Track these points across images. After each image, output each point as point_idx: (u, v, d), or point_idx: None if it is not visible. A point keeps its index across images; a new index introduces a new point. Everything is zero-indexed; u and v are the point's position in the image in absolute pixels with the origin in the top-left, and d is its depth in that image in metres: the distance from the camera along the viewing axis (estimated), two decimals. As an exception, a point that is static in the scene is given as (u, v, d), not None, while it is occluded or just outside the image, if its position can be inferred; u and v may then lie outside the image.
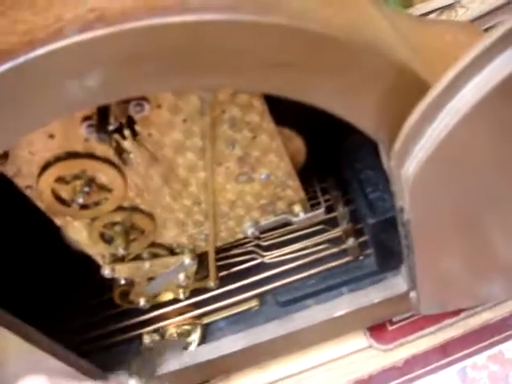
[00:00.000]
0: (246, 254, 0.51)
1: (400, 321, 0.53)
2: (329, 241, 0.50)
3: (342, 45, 0.27)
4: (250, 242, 0.50)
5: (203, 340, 0.51)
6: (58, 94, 0.26)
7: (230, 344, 0.51)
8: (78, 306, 0.53)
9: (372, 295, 0.49)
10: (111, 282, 0.49)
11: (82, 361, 0.48)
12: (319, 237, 0.50)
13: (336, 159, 0.51)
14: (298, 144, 0.44)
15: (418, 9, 0.77)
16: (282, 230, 0.50)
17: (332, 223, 0.50)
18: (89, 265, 0.46)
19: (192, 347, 0.51)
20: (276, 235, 0.50)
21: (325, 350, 0.53)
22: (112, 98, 0.28)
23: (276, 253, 0.51)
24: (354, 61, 0.28)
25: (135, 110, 0.35)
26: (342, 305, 0.49)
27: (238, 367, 0.54)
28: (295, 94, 0.28)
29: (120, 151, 0.36)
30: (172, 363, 0.50)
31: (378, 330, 0.53)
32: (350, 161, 0.49)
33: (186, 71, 0.26)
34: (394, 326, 0.53)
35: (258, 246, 0.51)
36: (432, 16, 0.77)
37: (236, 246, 0.50)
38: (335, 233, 0.50)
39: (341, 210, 0.50)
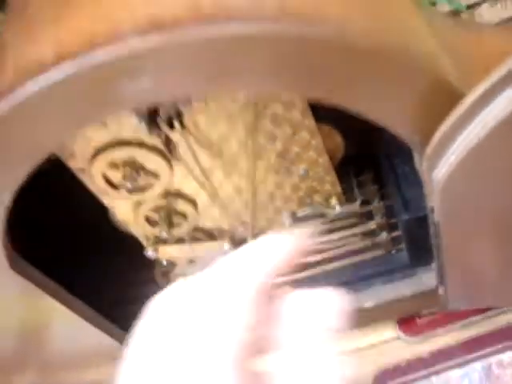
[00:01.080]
0: (282, 243, 0.52)
1: (429, 314, 0.54)
2: (362, 233, 0.51)
3: (380, 55, 0.29)
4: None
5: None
6: (114, 94, 0.28)
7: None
8: (121, 280, 0.55)
9: (402, 289, 0.50)
10: (153, 261, 0.51)
11: (124, 334, 0.50)
12: (353, 229, 0.51)
13: (373, 153, 0.52)
14: (337, 141, 0.45)
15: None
16: (317, 221, 0.51)
17: (367, 216, 0.52)
18: (134, 241, 0.48)
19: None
20: (311, 226, 0.52)
21: (353, 338, 0.55)
22: (164, 98, 0.31)
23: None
24: (392, 70, 0.30)
25: (184, 104, 0.37)
26: (372, 296, 0.51)
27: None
28: (331, 99, 0.30)
29: (168, 142, 0.38)
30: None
31: (406, 322, 0.54)
32: (388, 155, 0.50)
33: (231, 79, 0.28)
34: (423, 320, 0.54)
35: (294, 235, 0.52)
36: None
37: (273, 235, 0.52)
38: (369, 226, 0.51)
39: (376, 204, 0.51)
